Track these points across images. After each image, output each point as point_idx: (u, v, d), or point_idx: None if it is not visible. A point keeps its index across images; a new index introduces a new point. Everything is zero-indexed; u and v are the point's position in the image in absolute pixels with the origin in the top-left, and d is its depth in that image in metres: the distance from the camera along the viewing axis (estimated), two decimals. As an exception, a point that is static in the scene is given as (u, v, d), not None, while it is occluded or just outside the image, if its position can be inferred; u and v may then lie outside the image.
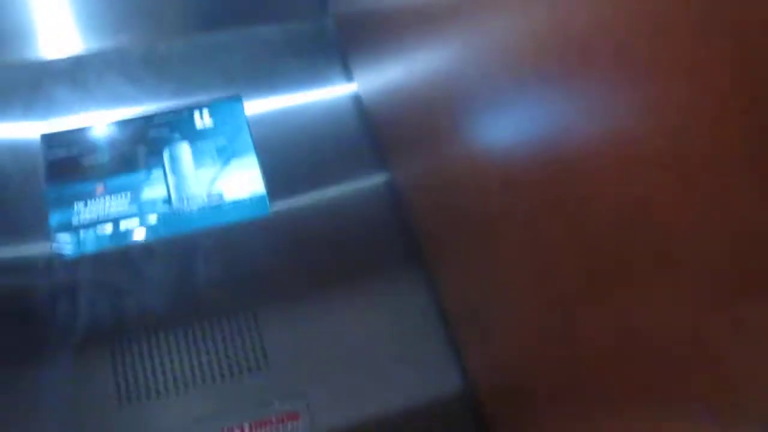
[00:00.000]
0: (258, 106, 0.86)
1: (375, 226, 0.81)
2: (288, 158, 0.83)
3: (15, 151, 0.80)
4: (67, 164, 0.79)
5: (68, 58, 0.87)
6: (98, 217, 0.77)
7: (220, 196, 0.79)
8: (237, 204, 0.79)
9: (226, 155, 0.82)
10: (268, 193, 0.80)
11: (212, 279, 0.75)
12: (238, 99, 0.85)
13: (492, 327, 0.65)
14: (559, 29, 0.41)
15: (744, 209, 0.29)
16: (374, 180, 0.84)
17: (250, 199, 0.79)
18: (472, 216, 0.61)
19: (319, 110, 0.87)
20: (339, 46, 0.91)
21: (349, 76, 0.90)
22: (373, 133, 0.85)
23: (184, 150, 0.81)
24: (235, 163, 0.81)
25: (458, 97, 0.58)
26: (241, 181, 0.80)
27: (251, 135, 0.83)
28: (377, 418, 0.71)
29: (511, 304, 0.59)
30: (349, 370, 0.72)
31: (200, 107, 0.84)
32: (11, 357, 0.71)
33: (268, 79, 0.88)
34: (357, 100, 0.88)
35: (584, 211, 0.42)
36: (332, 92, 0.89)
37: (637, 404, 0.43)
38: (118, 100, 0.84)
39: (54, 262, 0.74)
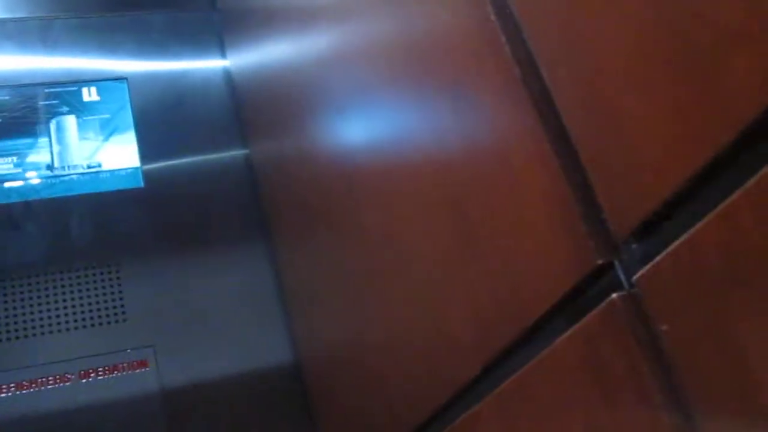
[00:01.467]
0: (141, 84, 0.96)
1: (234, 198, 0.94)
2: (163, 134, 0.94)
3: None
4: (-41, 124, 0.89)
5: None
6: (-16, 175, 0.87)
7: (99, 165, 0.90)
8: (114, 174, 0.90)
9: (108, 130, 0.92)
10: (142, 166, 0.91)
11: (83, 238, 0.87)
12: (123, 80, 0.95)
13: (316, 306, 0.80)
14: (403, 38, 0.48)
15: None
16: (237, 154, 0.96)
17: (126, 171, 0.90)
18: (317, 207, 0.74)
19: (194, 89, 0.99)
20: (220, 33, 1.03)
21: (223, 56, 1.01)
22: (240, 113, 0.97)
23: (70, 121, 0.92)
24: (115, 138, 0.92)
25: (316, 89, 0.68)
26: (120, 154, 0.91)
27: (133, 113, 0.94)
28: (214, 374, 0.85)
29: (335, 290, 0.72)
30: (195, 329, 0.85)
31: (88, 83, 0.94)
32: None
33: (152, 60, 0.99)
34: (228, 77, 0.99)
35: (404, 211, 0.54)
36: (207, 71, 1.00)
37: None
38: (12, 68, 0.93)
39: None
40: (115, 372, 0.81)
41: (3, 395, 0.78)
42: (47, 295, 0.83)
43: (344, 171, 0.62)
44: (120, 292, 0.85)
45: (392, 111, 0.51)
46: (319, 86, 0.67)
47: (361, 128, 0.59)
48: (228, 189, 0.94)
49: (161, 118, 0.95)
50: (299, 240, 0.82)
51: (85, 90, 0.94)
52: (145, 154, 0.92)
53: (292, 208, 0.84)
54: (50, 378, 0.80)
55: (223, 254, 0.90)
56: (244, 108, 0.96)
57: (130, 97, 0.95)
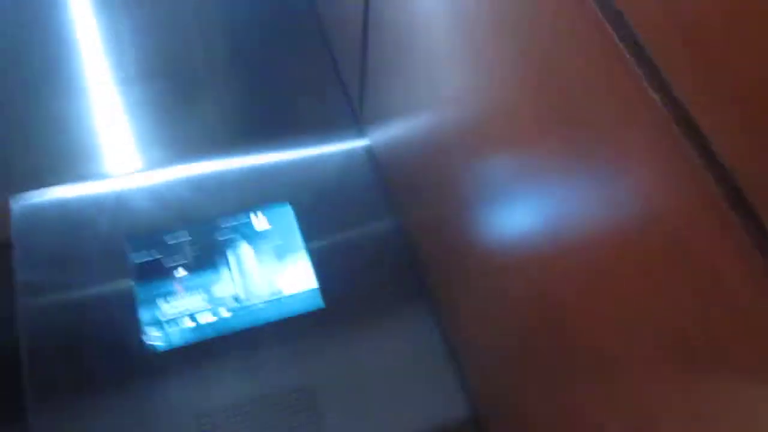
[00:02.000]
0: (303, 203, 1.01)
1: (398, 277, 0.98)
2: (331, 249, 0.99)
3: (108, 253, 0.96)
4: (151, 266, 0.95)
5: (140, 175, 1.02)
6: (180, 312, 0.92)
7: (280, 291, 0.94)
8: (294, 298, 0.94)
9: (281, 254, 0.97)
10: (320, 286, 0.95)
11: (277, 367, 0.91)
12: (285, 204, 1.00)
13: (486, 356, 0.82)
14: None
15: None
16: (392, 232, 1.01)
17: (305, 294, 0.95)
18: (474, 269, 0.77)
19: (354, 203, 1.03)
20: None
21: (374, 163, 1.05)
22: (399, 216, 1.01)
23: (247, 250, 0.97)
24: (290, 260, 0.97)
25: (458, 152, 0.71)
26: (297, 277, 0.95)
27: (302, 234, 0.98)
28: None
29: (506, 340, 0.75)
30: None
31: (256, 211, 0.99)
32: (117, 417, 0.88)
33: (310, 179, 1.03)
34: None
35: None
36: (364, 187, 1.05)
37: None
38: (187, 208, 0.99)
39: (148, 355, 0.90)
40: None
41: None
42: (253, 420, 0.87)
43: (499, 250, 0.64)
44: (315, 410, 0.89)
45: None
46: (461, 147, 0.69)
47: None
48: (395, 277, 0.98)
49: (326, 232, 0.99)
50: (462, 298, 0.85)
51: (253, 218, 0.99)
52: (320, 273, 0.96)
53: (447, 269, 0.87)
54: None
55: (389, 323, 0.95)
56: (400, 206, 1.00)
57: (297, 218, 0.99)
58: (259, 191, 1.02)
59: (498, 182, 0.63)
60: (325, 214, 1.01)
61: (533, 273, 0.61)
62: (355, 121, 1.11)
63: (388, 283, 0.98)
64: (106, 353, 0.91)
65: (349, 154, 1.07)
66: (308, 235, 0.99)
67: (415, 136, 0.86)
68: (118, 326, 0.92)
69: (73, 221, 0.99)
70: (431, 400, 0.92)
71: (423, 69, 0.74)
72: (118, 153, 1.07)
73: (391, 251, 1.00)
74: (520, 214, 0.61)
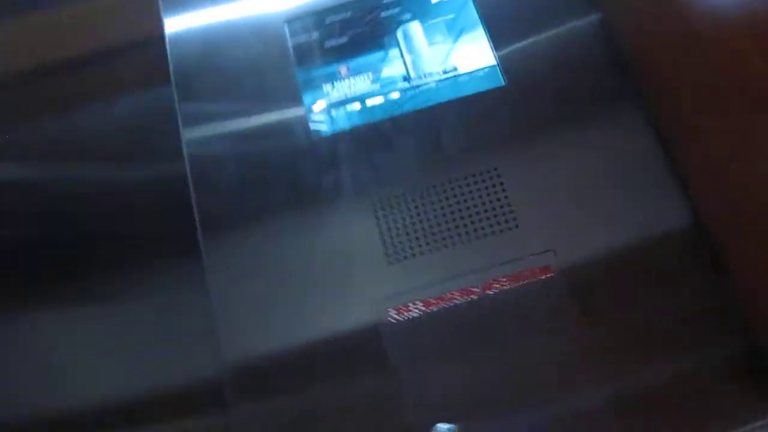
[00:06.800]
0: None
1: (593, 67, 0.85)
2: (511, 23, 0.86)
3: (264, 37, 0.89)
4: (311, 48, 0.86)
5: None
6: (346, 96, 0.84)
7: (455, 69, 0.84)
8: (472, 75, 0.83)
9: (455, 30, 0.86)
10: (498, 63, 0.84)
11: (455, 147, 0.82)
12: (458, -28, 0.88)
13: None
14: None
15: None
16: (592, 21, 0.87)
17: (484, 71, 0.83)
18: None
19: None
20: None
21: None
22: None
23: (416, 28, 0.86)
24: (465, 37, 0.85)
25: None
26: (473, 54, 0.84)
27: (476, 8, 0.86)
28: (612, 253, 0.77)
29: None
30: (589, 220, 0.78)
31: (425, -16, 0.88)
32: (287, 217, 0.82)
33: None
34: None
35: None
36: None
37: None
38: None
39: (313, 138, 0.83)
40: (520, 281, 0.76)
41: (411, 314, 0.77)
42: (433, 212, 0.79)
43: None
44: (506, 197, 0.79)
45: None
46: None
47: None
48: (589, 60, 0.84)
49: (505, 6, 0.87)
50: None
51: (423, -9, 0.88)
52: (499, 49, 0.85)
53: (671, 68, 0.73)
54: (453, 293, 0.77)
55: (596, 128, 0.82)
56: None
57: (470, -11, 0.88)
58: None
59: None
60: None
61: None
62: None
63: (582, 69, 0.85)
64: (273, 153, 0.84)
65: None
66: (485, 9, 0.87)
67: None
68: (282, 118, 0.85)
69: (225, 8, 0.92)
70: (639, 201, 0.79)
71: None
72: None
73: (588, 42, 0.86)
74: None
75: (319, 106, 0.84)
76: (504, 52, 0.85)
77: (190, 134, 0.87)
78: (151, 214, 1.00)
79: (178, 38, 0.91)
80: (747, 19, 0.58)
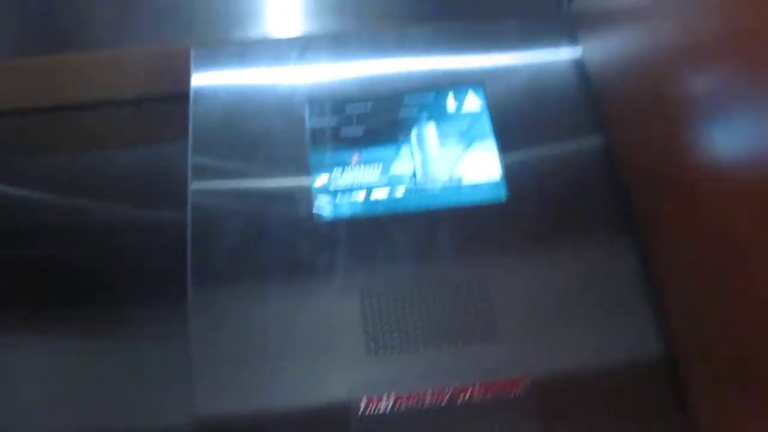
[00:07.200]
0: (497, 92, 0.93)
1: (594, 191, 0.88)
2: (521, 141, 0.90)
3: (284, 113, 0.92)
4: (328, 132, 0.90)
5: (326, 35, 0.97)
6: (352, 184, 0.87)
7: (460, 178, 0.87)
8: (475, 187, 0.87)
9: (467, 139, 0.89)
10: (504, 178, 0.87)
11: (449, 253, 0.84)
12: (480, 85, 0.92)
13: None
14: None
15: None
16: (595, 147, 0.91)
17: (488, 184, 0.87)
18: (705, 215, 0.66)
19: (550, 87, 0.93)
20: (572, 33, 0.96)
21: (577, 52, 0.95)
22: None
23: (431, 131, 0.90)
24: (475, 147, 0.89)
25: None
26: (480, 166, 0.88)
27: (491, 121, 0.90)
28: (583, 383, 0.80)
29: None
30: (563, 336, 0.81)
31: (446, 90, 0.92)
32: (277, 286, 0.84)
33: (506, 67, 0.94)
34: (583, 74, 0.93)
35: None
36: (561, 68, 0.95)
37: None
38: (371, 78, 0.94)
39: (314, 219, 0.86)
40: (490, 394, 0.78)
41: (382, 405, 0.78)
42: (417, 312, 0.81)
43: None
44: (489, 309, 0.81)
45: None
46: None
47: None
48: (590, 184, 0.88)
49: (519, 123, 0.91)
50: (677, 236, 0.75)
51: (443, 97, 0.91)
52: (505, 163, 0.88)
53: (662, 201, 0.76)
54: (425, 393, 0.78)
55: (586, 250, 0.85)
56: (602, 104, 0.89)
57: (487, 103, 0.91)
58: (449, 73, 0.94)
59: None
60: (518, 108, 0.92)
61: None
62: (562, 15, 1.00)
63: (582, 195, 0.88)
64: (273, 223, 0.87)
65: (553, 50, 0.97)
66: (498, 125, 0.91)
67: (638, 42, 0.76)
68: (288, 195, 0.88)
69: (253, 77, 0.95)
70: (615, 329, 0.82)
71: None
72: (295, 14, 1.02)
73: (590, 166, 0.90)
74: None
75: (326, 189, 0.87)
76: (510, 165, 0.88)
77: (197, 185, 0.89)
78: (147, 257, 1.03)
79: (203, 96, 0.95)
80: (744, 182, 0.61)
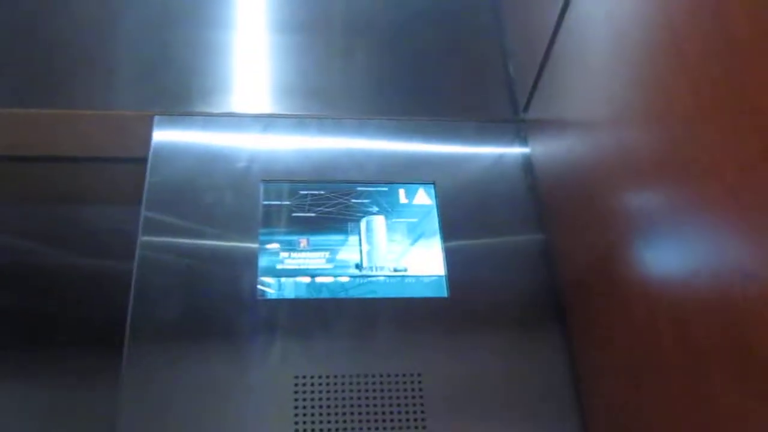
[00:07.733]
0: (448, 189, 0.96)
1: (531, 291, 0.92)
2: (467, 241, 0.93)
3: (239, 187, 0.94)
4: (280, 213, 0.92)
5: (289, 117, 1.01)
6: (298, 267, 0.89)
7: (405, 270, 0.89)
8: (419, 280, 0.89)
9: (415, 233, 0.92)
10: (447, 276, 0.90)
11: (387, 342, 0.86)
12: (431, 184, 0.96)
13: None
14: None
15: None
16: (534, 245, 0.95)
17: (431, 279, 0.89)
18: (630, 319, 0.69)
19: (499, 197, 0.98)
20: (524, 142, 1.02)
21: (529, 164, 1.00)
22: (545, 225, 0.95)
23: (380, 222, 0.92)
24: (422, 242, 0.92)
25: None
26: (425, 260, 0.90)
27: (440, 219, 0.93)
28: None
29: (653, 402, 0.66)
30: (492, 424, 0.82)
31: (399, 185, 0.95)
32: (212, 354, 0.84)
33: (457, 166, 0.99)
34: (534, 188, 0.97)
35: None
36: (513, 179, 0.99)
37: None
38: (329, 164, 0.97)
39: (257, 298, 0.87)
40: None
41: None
42: (351, 396, 0.82)
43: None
44: (422, 403, 0.82)
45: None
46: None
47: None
48: (528, 283, 0.92)
49: (466, 221, 0.94)
50: (603, 340, 0.78)
51: (395, 191, 0.95)
52: (449, 261, 0.91)
53: (592, 305, 0.79)
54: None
55: (520, 346, 0.88)
56: (545, 205, 0.94)
57: (437, 201, 0.95)
58: (404, 166, 0.98)
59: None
60: (467, 206, 0.96)
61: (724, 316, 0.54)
62: (516, 120, 1.06)
63: (521, 293, 0.91)
64: (216, 294, 0.87)
65: (505, 154, 1.02)
66: (446, 221, 0.94)
67: (583, 153, 0.81)
68: (235, 269, 0.89)
69: (212, 148, 0.98)
70: (541, 420, 0.84)
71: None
72: (262, 93, 1.05)
73: (530, 263, 0.93)
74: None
75: (272, 269, 0.88)
76: (454, 263, 0.91)
77: (146, 238, 0.90)
78: (91, 305, 1.02)
79: (161, 159, 0.96)
80: (669, 298, 0.64)
